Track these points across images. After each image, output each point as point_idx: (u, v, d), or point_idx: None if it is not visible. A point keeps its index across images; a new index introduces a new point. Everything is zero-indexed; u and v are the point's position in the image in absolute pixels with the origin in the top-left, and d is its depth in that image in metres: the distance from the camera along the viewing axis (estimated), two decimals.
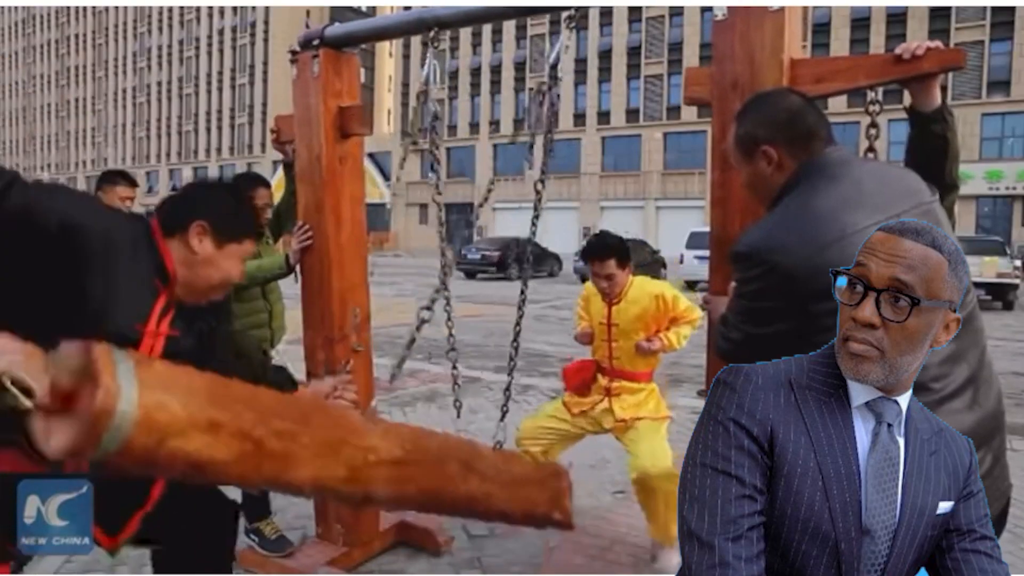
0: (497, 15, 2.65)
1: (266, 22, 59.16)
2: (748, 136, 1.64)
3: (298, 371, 2.57)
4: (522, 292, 2.72)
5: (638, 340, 3.22)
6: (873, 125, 1.89)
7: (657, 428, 3.20)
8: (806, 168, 1.57)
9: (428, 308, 2.64)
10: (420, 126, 2.84)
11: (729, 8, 1.96)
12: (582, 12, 2.42)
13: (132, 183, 3.94)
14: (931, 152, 1.73)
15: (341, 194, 2.95)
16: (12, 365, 1.19)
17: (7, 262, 1.44)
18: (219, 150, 62.13)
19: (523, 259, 2.56)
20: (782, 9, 1.90)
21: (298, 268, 3.06)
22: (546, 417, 3.38)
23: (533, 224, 2.71)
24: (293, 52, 2.93)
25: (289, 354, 3.48)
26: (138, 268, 1.59)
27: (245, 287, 3.06)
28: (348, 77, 2.95)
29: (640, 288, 3.29)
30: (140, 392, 1.28)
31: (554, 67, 2.53)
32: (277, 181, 5.06)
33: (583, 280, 3.43)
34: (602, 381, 3.32)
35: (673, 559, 2.99)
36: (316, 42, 2.84)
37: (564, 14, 2.46)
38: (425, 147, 2.79)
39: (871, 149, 1.89)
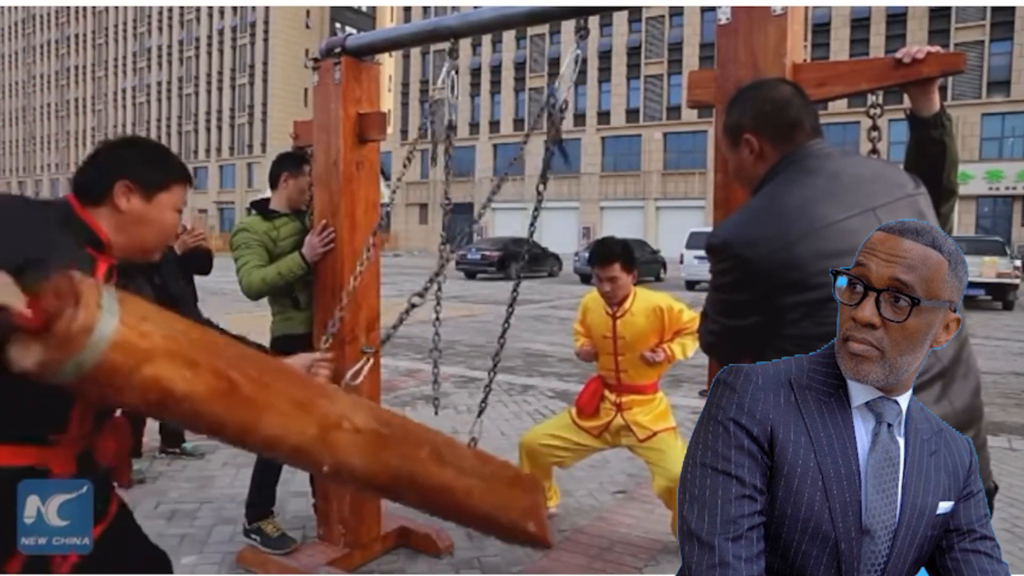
0: (510, 24, 2.62)
1: (266, 22, 59.17)
2: (734, 124, 1.66)
3: None
4: (514, 290, 2.65)
5: (643, 351, 3.20)
6: (875, 128, 1.90)
7: (675, 436, 3.26)
8: (785, 160, 1.58)
9: (420, 295, 2.52)
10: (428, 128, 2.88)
11: (732, 11, 1.96)
12: (598, 14, 2.41)
13: None
14: (929, 157, 1.74)
15: (356, 198, 3.00)
16: None
17: None
18: (219, 150, 62.14)
19: (518, 258, 2.50)
20: (785, 12, 1.90)
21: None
22: (565, 428, 3.37)
23: (531, 226, 2.64)
24: (315, 60, 3.01)
25: None
26: (60, 246, 1.50)
27: (278, 292, 3.11)
28: (368, 84, 3.03)
29: (644, 300, 3.27)
30: (122, 315, 1.26)
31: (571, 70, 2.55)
32: None
33: (584, 280, 3.42)
34: (611, 397, 3.29)
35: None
36: (338, 50, 2.93)
37: (574, 25, 2.49)
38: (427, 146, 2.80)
39: (874, 151, 1.90)
